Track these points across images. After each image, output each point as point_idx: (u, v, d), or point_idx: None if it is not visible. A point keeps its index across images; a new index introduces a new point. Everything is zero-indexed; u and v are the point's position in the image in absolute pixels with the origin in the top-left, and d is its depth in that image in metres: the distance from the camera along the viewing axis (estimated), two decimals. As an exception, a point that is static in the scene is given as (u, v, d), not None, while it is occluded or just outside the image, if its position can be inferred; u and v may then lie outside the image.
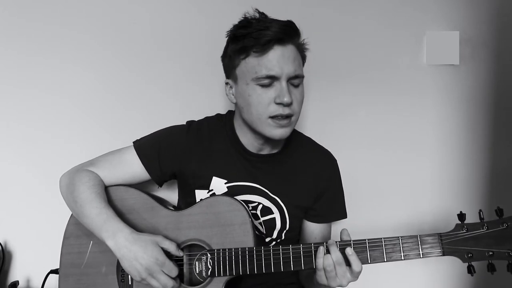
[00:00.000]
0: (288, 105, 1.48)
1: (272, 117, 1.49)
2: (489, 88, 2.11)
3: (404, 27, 2.09)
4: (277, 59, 1.46)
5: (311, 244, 1.43)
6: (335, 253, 1.37)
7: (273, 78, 1.47)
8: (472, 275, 1.34)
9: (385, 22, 2.08)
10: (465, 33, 2.10)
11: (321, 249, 1.40)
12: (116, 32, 1.99)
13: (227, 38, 1.58)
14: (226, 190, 1.64)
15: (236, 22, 1.57)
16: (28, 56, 1.95)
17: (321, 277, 1.40)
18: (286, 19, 1.52)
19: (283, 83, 1.47)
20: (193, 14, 2.01)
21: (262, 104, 1.48)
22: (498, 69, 2.11)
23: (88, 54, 1.98)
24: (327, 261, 1.37)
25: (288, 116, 1.50)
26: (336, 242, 1.40)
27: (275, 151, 1.68)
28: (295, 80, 1.51)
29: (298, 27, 1.54)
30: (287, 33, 1.48)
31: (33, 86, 1.96)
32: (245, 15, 1.56)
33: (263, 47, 1.46)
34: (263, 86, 1.48)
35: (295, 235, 1.76)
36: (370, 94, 2.08)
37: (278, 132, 1.51)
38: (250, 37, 1.47)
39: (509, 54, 2.12)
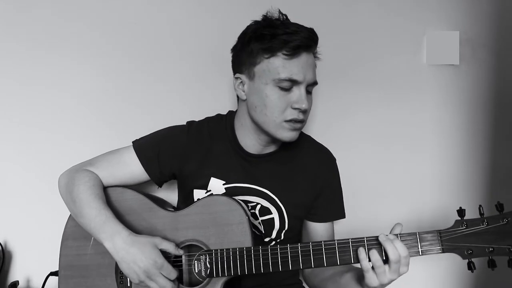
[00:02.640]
0: (305, 111, 1.50)
1: (287, 121, 1.50)
2: (489, 88, 2.11)
3: (404, 27, 2.09)
4: (302, 65, 1.48)
5: (309, 243, 1.41)
6: (393, 251, 1.30)
7: (294, 82, 1.47)
8: (472, 272, 1.32)
9: (385, 22, 2.08)
10: (465, 33, 2.10)
11: (362, 250, 1.34)
12: (118, 31, 2.00)
13: (247, 34, 1.56)
14: (224, 191, 1.63)
15: (244, 21, 1.58)
16: (30, 54, 1.96)
17: (370, 279, 1.33)
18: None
19: (302, 89, 1.49)
20: (198, 13, 2.02)
21: (279, 108, 1.49)
22: (498, 69, 2.11)
23: (89, 53, 1.98)
24: (374, 257, 1.32)
25: (301, 121, 1.51)
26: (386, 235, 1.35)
27: (274, 150, 1.68)
28: (311, 87, 1.53)
29: None
30: (314, 41, 1.52)
31: (33, 84, 1.96)
32: (267, 13, 1.57)
33: (294, 51, 1.46)
34: (282, 89, 1.48)
35: (294, 235, 1.74)
36: (370, 94, 2.08)
37: (290, 134, 1.52)
38: (280, 39, 1.46)
39: (509, 54, 2.12)
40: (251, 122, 1.60)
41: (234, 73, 1.62)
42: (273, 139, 1.59)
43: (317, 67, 1.60)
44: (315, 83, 1.54)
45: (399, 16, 2.09)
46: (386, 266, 1.32)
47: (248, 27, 1.57)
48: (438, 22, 2.10)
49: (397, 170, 2.09)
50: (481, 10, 2.10)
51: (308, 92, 1.53)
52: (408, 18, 2.09)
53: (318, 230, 1.74)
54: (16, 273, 1.95)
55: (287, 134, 1.52)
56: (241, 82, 1.59)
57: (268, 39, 1.48)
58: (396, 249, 1.31)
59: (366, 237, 1.37)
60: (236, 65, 1.62)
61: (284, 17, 1.56)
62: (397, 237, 1.34)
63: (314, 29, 1.54)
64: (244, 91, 1.59)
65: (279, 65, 1.47)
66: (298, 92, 1.48)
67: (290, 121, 1.49)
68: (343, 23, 2.07)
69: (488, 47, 2.11)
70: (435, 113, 2.10)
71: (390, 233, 1.37)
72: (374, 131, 2.08)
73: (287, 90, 1.48)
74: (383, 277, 1.31)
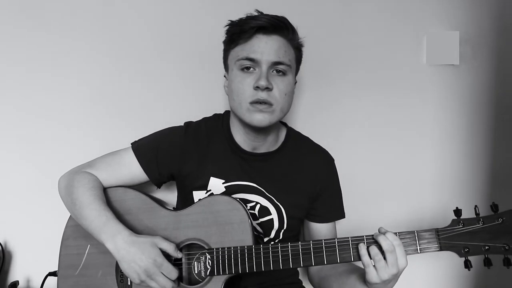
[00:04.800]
0: (265, 89, 1.49)
1: (252, 103, 1.50)
2: (489, 88, 2.11)
3: (404, 27, 2.09)
4: (259, 45, 1.50)
5: (309, 241, 1.43)
6: (385, 241, 1.34)
7: (252, 61, 1.49)
8: (469, 270, 1.34)
9: (385, 22, 2.08)
10: (465, 33, 2.10)
11: (362, 246, 1.37)
12: (113, 33, 2.00)
13: None
14: (224, 190, 1.64)
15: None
16: (28, 57, 1.96)
17: (370, 274, 1.35)
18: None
19: (263, 67, 1.49)
20: (192, 15, 2.02)
21: (242, 90, 1.51)
22: (498, 69, 2.11)
23: (86, 55, 1.99)
24: (374, 251, 1.35)
25: (267, 103, 1.50)
26: (379, 232, 1.39)
27: (272, 149, 1.68)
28: (279, 66, 1.52)
29: (295, 25, 1.57)
30: (272, 23, 1.50)
31: (33, 87, 1.97)
32: (245, 15, 1.58)
33: (247, 34, 1.50)
34: (243, 70, 1.51)
35: (293, 235, 1.75)
36: (370, 94, 2.08)
37: (256, 117, 1.51)
38: (237, 25, 1.53)
39: (509, 54, 2.11)
40: (234, 115, 1.63)
41: None
42: (254, 130, 1.58)
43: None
44: (281, 62, 1.51)
45: (399, 16, 2.09)
46: (385, 261, 1.34)
47: None
48: (438, 22, 2.10)
49: (397, 170, 2.09)
50: (481, 10, 2.10)
51: (278, 74, 1.53)
52: (408, 18, 2.09)
53: (321, 230, 1.76)
54: (16, 273, 1.96)
55: (253, 117, 1.51)
56: (226, 79, 1.64)
57: (231, 30, 1.55)
58: (387, 239, 1.34)
59: (365, 236, 1.39)
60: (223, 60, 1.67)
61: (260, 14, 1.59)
62: (390, 232, 1.37)
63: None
64: (227, 87, 1.63)
65: (239, 50, 1.52)
66: (259, 71, 1.50)
67: (254, 102, 1.50)
68: (343, 23, 2.07)
69: (488, 47, 2.11)
70: (435, 113, 2.10)
71: None
72: (374, 131, 2.08)
73: (249, 71, 1.51)
74: (383, 272, 1.33)
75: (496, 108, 2.11)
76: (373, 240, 1.38)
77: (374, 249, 1.35)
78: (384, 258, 1.34)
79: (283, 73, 1.53)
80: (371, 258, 1.35)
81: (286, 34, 1.54)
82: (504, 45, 2.11)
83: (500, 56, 2.11)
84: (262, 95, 1.48)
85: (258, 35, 1.50)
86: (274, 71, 1.52)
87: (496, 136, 2.11)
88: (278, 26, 1.51)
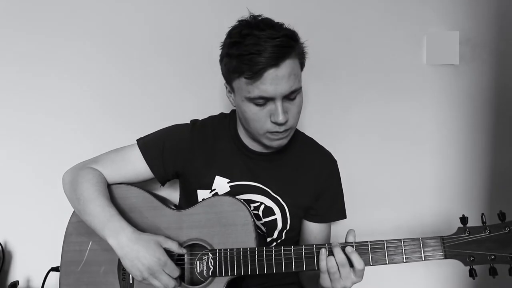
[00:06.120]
0: (283, 124, 1.46)
1: (270, 132, 1.49)
2: (489, 88, 2.11)
3: (404, 27, 2.08)
4: (270, 81, 1.40)
5: (313, 245, 1.43)
6: (339, 255, 1.36)
7: (266, 99, 1.44)
8: (473, 279, 1.34)
9: (385, 22, 2.08)
10: (465, 33, 2.09)
11: (323, 251, 1.39)
12: (118, 31, 1.99)
13: (223, 49, 1.53)
14: (229, 189, 1.64)
15: (234, 24, 1.51)
16: (30, 54, 1.95)
17: (325, 280, 1.39)
18: (278, 20, 1.48)
19: (278, 102, 1.44)
20: (195, 14, 2.01)
21: (259, 122, 1.48)
22: (498, 69, 2.11)
23: (91, 53, 1.98)
24: (330, 263, 1.36)
25: (285, 131, 1.50)
26: (339, 243, 1.39)
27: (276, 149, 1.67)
28: (292, 95, 1.47)
29: (295, 28, 1.49)
30: (280, 55, 1.39)
31: (35, 83, 1.96)
32: (239, 21, 1.50)
33: (255, 75, 1.39)
34: (257, 104, 1.45)
35: (295, 235, 1.76)
36: (370, 94, 2.08)
37: (276, 143, 1.53)
38: (242, 62, 1.40)
39: (509, 54, 2.12)
40: (243, 127, 1.62)
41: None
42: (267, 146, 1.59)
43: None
44: (293, 91, 1.45)
45: (399, 16, 2.08)
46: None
47: (225, 38, 1.52)
48: (438, 22, 2.09)
49: (398, 172, 2.10)
50: (481, 10, 2.10)
51: (290, 99, 1.47)
52: (408, 18, 2.08)
53: (313, 230, 1.76)
54: (16, 273, 1.96)
55: (273, 143, 1.53)
56: (229, 91, 1.58)
57: (234, 59, 1.43)
58: (341, 252, 1.38)
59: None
60: (222, 74, 1.59)
61: (255, 20, 1.47)
62: (339, 245, 1.39)
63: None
64: (233, 100, 1.58)
65: (248, 84, 1.43)
66: (274, 106, 1.45)
67: (272, 132, 1.49)
68: (343, 23, 2.06)
69: (488, 47, 2.11)
70: (435, 113, 2.11)
71: (345, 240, 1.43)
72: (374, 131, 2.09)
73: (263, 105, 1.45)
74: (336, 283, 1.38)
75: (496, 108, 2.11)
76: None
77: (331, 261, 1.38)
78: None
79: (295, 97, 1.49)
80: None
81: (292, 53, 1.44)
82: (504, 45, 2.12)
83: (500, 56, 2.12)
84: (281, 128, 1.47)
85: (268, 70, 1.39)
86: (288, 99, 1.47)
87: (497, 136, 2.12)
88: (286, 54, 1.41)
